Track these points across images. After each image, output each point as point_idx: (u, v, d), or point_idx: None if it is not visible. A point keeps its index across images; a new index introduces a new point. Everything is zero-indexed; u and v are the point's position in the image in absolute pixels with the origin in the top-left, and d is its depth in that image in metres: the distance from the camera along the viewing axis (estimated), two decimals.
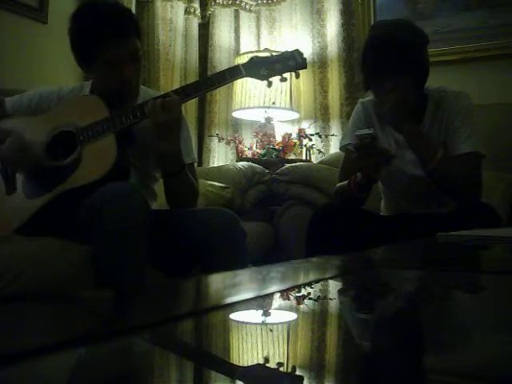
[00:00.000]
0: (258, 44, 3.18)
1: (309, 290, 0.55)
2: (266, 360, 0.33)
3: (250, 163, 2.70)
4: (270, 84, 1.57)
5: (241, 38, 3.22)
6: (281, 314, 0.46)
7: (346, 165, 1.76)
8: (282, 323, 0.44)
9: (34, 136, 1.54)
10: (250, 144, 3.05)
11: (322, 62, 3.00)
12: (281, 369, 0.32)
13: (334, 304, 0.51)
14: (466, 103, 1.68)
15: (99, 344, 0.33)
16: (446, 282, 0.63)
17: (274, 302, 0.49)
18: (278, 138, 3.00)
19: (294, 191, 2.47)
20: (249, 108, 2.87)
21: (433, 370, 0.31)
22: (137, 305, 0.49)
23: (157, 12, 3.05)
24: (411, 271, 0.70)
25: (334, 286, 0.59)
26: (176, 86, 3.00)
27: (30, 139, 1.53)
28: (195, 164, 1.78)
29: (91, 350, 0.33)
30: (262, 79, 1.55)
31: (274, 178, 2.56)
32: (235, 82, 2.97)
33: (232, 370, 0.32)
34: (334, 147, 2.86)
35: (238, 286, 0.55)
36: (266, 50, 2.98)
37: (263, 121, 2.95)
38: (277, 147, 2.91)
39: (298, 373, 0.32)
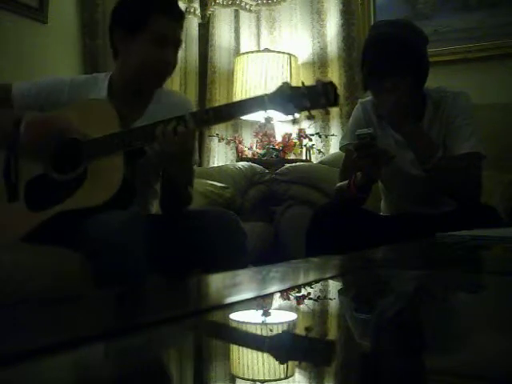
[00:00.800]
0: (258, 44, 3.18)
1: (309, 289, 0.55)
2: (266, 360, 0.33)
3: (249, 163, 2.70)
4: (294, 120, 1.44)
5: (241, 38, 3.22)
6: (281, 314, 0.46)
7: (346, 165, 1.76)
8: (282, 323, 0.44)
9: (40, 142, 1.50)
10: (250, 144, 3.05)
11: (322, 62, 3.00)
12: (281, 368, 0.32)
13: (333, 304, 0.51)
14: (466, 103, 1.68)
15: (99, 344, 0.33)
16: (446, 282, 0.63)
17: (273, 302, 0.49)
18: (278, 138, 3.00)
19: (294, 191, 2.47)
20: None
21: (433, 370, 0.31)
22: (136, 305, 0.49)
23: None
24: (411, 271, 0.70)
25: (333, 286, 0.59)
26: (176, 85, 3.01)
27: (37, 144, 1.49)
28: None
29: (91, 350, 0.33)
30: (288, 114, 1.39)
31: (274, 178, 2.56)
32: (235, 81, 2.99)
33: (232, 371, 0.32)
34: (334, 147, 2.86)
35: (238, 286, 0.55)
36: (266, 49, 2.98)
37: (263, 121, 2.95)
38: (277, 147, 2.91)
39: (298, 373, 0.32)
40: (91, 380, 0.29)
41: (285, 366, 0.33)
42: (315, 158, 2.90)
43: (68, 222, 1.43)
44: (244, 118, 3.00)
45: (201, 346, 0.38)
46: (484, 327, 0.41)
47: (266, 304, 0.48)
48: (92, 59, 2.69)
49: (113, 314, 0.45)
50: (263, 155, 2.90)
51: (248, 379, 0.31)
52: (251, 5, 3.19)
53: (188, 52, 3.16)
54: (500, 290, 0.58)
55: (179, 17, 1.56)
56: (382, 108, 1.62)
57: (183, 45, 3.13)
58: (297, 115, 1.40)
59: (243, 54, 3.04)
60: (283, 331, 0.42)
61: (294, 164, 2.62)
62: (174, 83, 2.99)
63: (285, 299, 0.50)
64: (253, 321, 0.43)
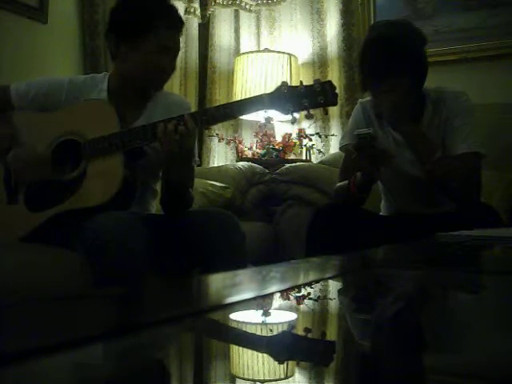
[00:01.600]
0: (258, 44, 3.18)
1: (309, 289, 0.55)
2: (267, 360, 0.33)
3: (250, 163, 2.70)
4: (294, 120, 1.43)
5: (241, 38, 3.21)
6: (281, 314, 0.46)
7: (346, 165, 1.76)
8: (282, 323, 0.44)
9: (39, 142, 1.51)
10: (250, 144, 3.05)
11: (322, 62, 3.00)
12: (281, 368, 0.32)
13: (333, 304, 0.51)
14: (465, 103, 1.68)
15: (99, 344, 0.34)
16: (446, 282, 0.63)
17: (273, 302, 0.49)
18: (278, 138, 3.00)
19: (294, 191, 2.47)
20: None
21: (433, 370, 0.31)
22: (136, 305, 0.49)
23: None
24: (411, 271, 0.70)
25: (333, 286, 0.59)
26: (176, 86, 3.01)
27: (36, 147, 1.50)
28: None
29: (91, 350, 0.33)
30: (287, 113, 1.40)
31: (274, 178, 2.56)
32: (235, 81, 2.99)
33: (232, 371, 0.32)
34: (334, 147, 2.86)
35: (238, 286, 0.55)
36: (266, 49, 2.98)
37: (263, 121, 2.95)
38: (277, 147, 2.91)
39: (298, 373, 0.32)
40: (91, 380, 0.29)
41: (285, 365, 0.33)
42: (315, 158, 2.90)
43: (68, 222, 1.43)
44: (244, 117, 3.01)
45: (201, 345, 0.38)
46: (484, 327, 0.41)
47: (265, 304, 0.48)
48: (92, 59, 2.69)
49: (113, 313, 0.45)
50: (263, 155, 2.90)
51: (248, 379, 0.31)
52: (251, 5, 3.19)
53: (188, 52, 3.16)
54: (500, 290, 0.58)
55: (179, 25, 1.57)
56: (380, 109, 1.62)
57: (183, 45, 3.13)
58: (296, 115, 1.41)
59: (243, 54, 3.04)
60: (283, 331, 0.42)
61: (293, 164, 2.62)
62: (174, 83, 2.99)
63: (285, 299, 0.50)
64: (253, 321, 0.43)
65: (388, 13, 2.78)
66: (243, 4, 3.18)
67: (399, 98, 1.57)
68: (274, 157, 2.88)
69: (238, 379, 0.31)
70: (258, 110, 1.47)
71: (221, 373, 0.32)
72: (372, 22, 2.81)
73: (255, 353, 0.36)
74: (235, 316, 0.43)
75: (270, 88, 1.46)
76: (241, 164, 2.68)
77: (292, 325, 0.43)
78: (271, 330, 0.42)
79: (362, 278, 0.65)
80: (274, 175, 2.57)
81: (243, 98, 2.78)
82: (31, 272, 1.32)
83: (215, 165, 3.07)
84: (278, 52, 2.94)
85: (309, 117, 1.42)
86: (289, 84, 1.41)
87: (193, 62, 3.18)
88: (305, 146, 2.92)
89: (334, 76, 2.93)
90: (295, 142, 2.96)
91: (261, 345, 0.37)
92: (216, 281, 0.64)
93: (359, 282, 0.63)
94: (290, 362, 0.33)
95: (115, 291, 0.60)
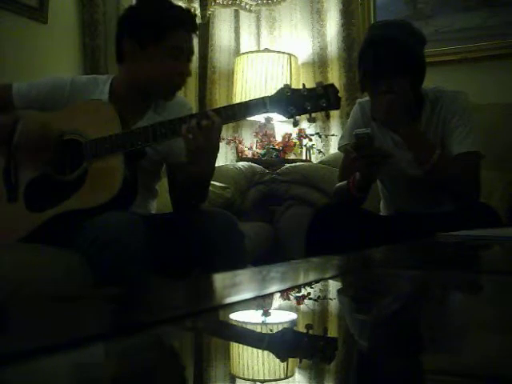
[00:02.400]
0: (258, 44, 3.18)
1: (309, 289, 0.55)
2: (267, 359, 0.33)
3: (250, 163, 2.70)
4: (296, 123, 1.41)
5: (241, 38, 3.22)
6: (281, 314, 0.46)
7: (345, 165, 1.76)
8: (282, 323, 0.44)
9: (41, 141, 1.50)
10: (250, 144, 3.05)
11: (321, 62, 3.00)
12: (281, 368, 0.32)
13: (333, 304, 0.51)
14: (464, 103, 1.68)
15: (99, 344, 0.34)
16: (446, 282, 0.63)
17: (273, 302, 0.49)
18: (278, 138, 3.00)
19: (294, 191, 2.47)
20: None
21: (432, 370, 0.31)
22: (136, 305, 0.49)
23: None
24: (411, 271, 0.70)
25: (333, 286, 0.59)
26: None
27: (37, 145, 1.49)
28: None
29: (91, 350, 0.33)
30: (289, 117, 1.38)
31: (274, 178, 2.56)
32: (235, 81, 2.99)
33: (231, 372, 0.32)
34: (334, 147, 2.86)
35: (238, 286, 0.55)
36: (266, 49, 2.98)
37: (263, 121, 2.95)
38: (277, 147, 2.91)
39: (298, 373, 0.32)
40: (91, 380, 0.29)
41: (285, 365, 0.33)
42: (315, 158, 2.91)
43: (68, 222, 1.43)
44: None
45: (201, 345, 0.38)
46: (484, 327, 0.41)
47: (266, 304, 0.48)
48: (92, 59, 2.69)
49: (113, 313, 0.45)
50: (263, 155, 2.90)
51: (248, 379, 0.31)
52: (251, 5, 3.19)
53: None
54: (500, 289, 0.58)
55: (195, 29, 1.58)
56: (378, 109, 1.62)
57: None
58: (298, 118, 1.40)
59: (243, 54, 3.04)
60: (283, 331, 0.42)
61: (293, 164, 2.62)
62: None
63: (285, 299, 0.50)
64: (253, 321, 0.43)
65: (388, 13, 2.78)
66: (243, 4, 3.18)
67: (398, 98, 1.57)
68: (274, 157, 2.88)
69: (237, 379, 0.31)
70: (259, 113, 1.45)
71: (221, 373, 0.32)
72: (372, 22, 2.81)
73: (255, 353, 0.36)
74: (235, 316, 0.43)
75: (270, 88, 1.46)
76: (241, 164, 2.68)
77: (292, 325, 0.43)
78: (271, 330, 0.42)
79: (361, 278, 0.65)
80: (274, 175, 2.57)
81: (243, 98, 2.83)
82: (31, 272, 1.32)
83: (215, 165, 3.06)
84: (278, 52, 2.95)
85: (311, 120, 1.42)
86: (291, 87, 1.40)
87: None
88: (305, 145, 2.93)
89: (334, 76, 2.94)
90: (295, 142, 2.96)
91: (261, 345, 0.37)
92: (216, 281, 0.64)
93: (359, 282, 0.63)
94: (289, 362, 0.33)
95: (115, 291, 0.60)
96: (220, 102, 3.16)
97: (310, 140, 2.91)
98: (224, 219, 1.50)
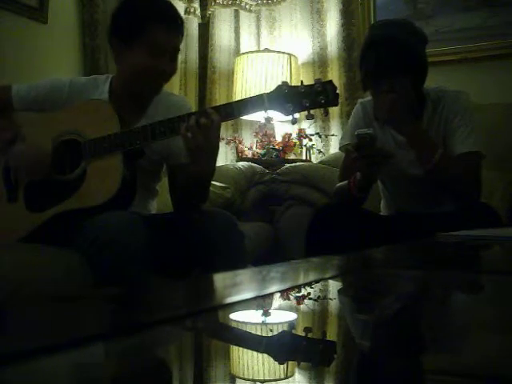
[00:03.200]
0: (258, 44, 3.18)
1: (309, 289, 0.55)
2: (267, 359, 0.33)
3: (250, 163, 2.70)
4: (294, 121, 1.40)
5: (241, 38, 3.22)
6: (281, 314, 0.46)
7: (346, 165, 1.76)
8: (282, 323, 0.44)
9: (40, 141, 1.50)
10: (250, 144, 3.05)
11: (321, 62, 3.00)
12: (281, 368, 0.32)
13: (333, 304, 0.51)
14: (465, 103, 1.68)
15: (99, 344, 0.34)
16: (446, 282, 0.63)
17: (273, 302, 0.49)
18: (278, 138, 3.00)
19: (294, 191, 2.47)
20: None
21: (433, 370, 0.31)
22: (136, 305, 0.49)
23: None
24: (411, 271, 0.70)
25: (334, 286, 0.59)
26: (176, 86, 3.01)
27: (36, 146, 1.49)
28: None
29: (91, 350, 0.33)
30: (287, 114, 1.37)
31: (273, 178, 2.56)
32: (235, 81, 2.99)
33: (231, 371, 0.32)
34: (334, 147, 2.86)
35: (238, 286, 0.55)
36: (266, 49, 2.98)
37: (263, 121, 2.95)
38: (277, 147, 2.91)
39: (297, 373, 0.32)
40: (91, 380, 0.29)
41: (285, 366, 0.33)
42: (315, 158, 2.90)
43: (68, 222, 1.43)
44: (244, 117, 3.01)
45: (201, 345, 0.38)
46: (484, 327, 0.41)
47: (266, 304, 0.48)
48: (92, 59, 2.69)
49: (113, 313, 0.45)
50: (263, 155, 2.90)
51: (248, 379, 0.31)
52: (251, 5, 3.19)
53: (188, 52, 3.16)
54: (500, 290, 0.58)
55: (177, 25, 1.54)
56: (380, 108, 1.62)
57: (183, 45, 3.13)
58: (296, 115, 1.40)
59: (243, 54, 3.04)
60: (283, 331, 0.42)
61: (293, 164, 2.62)
62: (174, 83, 2.99)
63: (285, 299, 0.50)
64: (253, 321, 0.43)
65: (388, 13, 2.78)
66: (243, 4, 3.18)
67: (400, 98, 1.57)
68: (274, 157, 2.88)
69: (237, 379, 0.31)
70: (258, 111, 1.45)
71: (221, 373, 0.32)
72: (372, 22, 2.81)
73: (255, 353, 0.36)
74: (235, 316, 0.43)
75: (270, 88, 1.44)
76: (241, 164, 2.68)
77: (292, 325, 0.43)
78: (271, 330, 0.42)
79: (362, 278, 0.65)
80: (274, 175, 2.57)
81: (243, 97, 2.81)
82: (31, 272, 1.32)
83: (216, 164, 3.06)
84: (278, 52, 2.94)
85: (309, 117, 1.41)
86: (289, 84, 1.40)
87: (193, 62, 3.18)
88: (305, 145, 2.93)
89: (334, 76, 2.94)
90: (295, 142, 2.96)
91: (261, 345, 0.37)
92: (216, 281, 0.64)
93: (359, 281, 0.63)
94: (289, 363, 0.33)
95: (115, 291, 0.60)
96: (220, 101, 3.15)
97: (310, 140, 2.91)
98: (224, 219, 1.50)
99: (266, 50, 2.98)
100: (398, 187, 1.80)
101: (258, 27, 3.20)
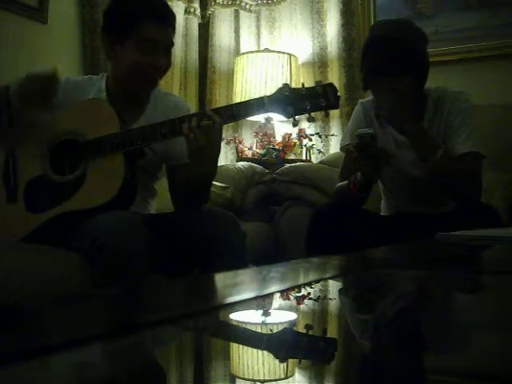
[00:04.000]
0: (258, 44, 3.18)
1: (309, 289, 0.55)
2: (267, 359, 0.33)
3: (250, 163, 2.70)
4: (295, 123, 1.41)
5: (241, 38, 3.22)
6: (281, 314, 0.46)
7: (346, 165, 1.76)
8: (282, 323, 0.44)
9: (39, 141, 1.50)
10: (250, 144, 3.05)
11: (322, 62, 3.00)
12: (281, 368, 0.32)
13: (333, 304, 0.51)
14: (466, 103, 1.68)
15: (99, 344, 0.33)
16: (446, 282, 0.63)
17: (273, 302, 0.49)
18: (278, 138, 3.00)
19: (294, 191, 2.47)
20: None
21: (433, 370, 0.31)
22: (136, 305, 0.49)
23: None
24: (411, 271, 0.70)
25: (334, 286, 0.59)
26: (176, 86, 3.01)
27: (35, 146, 1.49)
28: None
29: (91, 350, 0.33)
30: (288, 117, 1.38)
31: (274, 178, 2.56)
32: (235, 81, 2.99)
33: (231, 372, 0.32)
34: (334, 147, 2.86)
35: (238, 286, 0.55)
36: (266, 49, 2.98)
37: (263, 121, 2.95)
38: (277, 147, 2.91)
39: (298, 373, 0.32)
40: (91, 380, 0.29)
41: (285, 365, 0.33)
42: (315, 158, 2.90)
43: (68, 223, 1.43)
44: None
45: (201, 345, 0.38)
46: (484, 327, 0.41)
47: (265, 304, 0.48)
48: (92, 59, 2.69)
49: (113, 313, 0.45)
50: (263, 155, 2.90)
51: (248, 379, 0.31)
52: (251, 5, 3.19)
53: (188, 52, 3.16)
54: (500, 290, 0.58)
55: (168, 20, 1.53)
56: (382, 108, 1.62)
57: (183, 45, 3.13)
58: (297, 117, 1.40)
59: (243, 53, 3.04)
60: (283, 331, 0.42)
61: (293, 164, 2.62)
62: (174, 83, 2.99)
63: (285, 299, 0.50)
64: (253, 321, 0.43)
65: (388, 13, 2.78)
66: (243, 4, 3.18)
67: (401, 97, 1.57)
68: (274, 157, 2.88)
69: (237, 379, 0.31)
70: (259, 113, 1.45)
71: (221, 373, 0.32)
72: (372, 22, 2.81)
73: (255, 352, 0.36)
74: (235, 316, 0.43)
75: (270, 88, 1.45)
76: (241, 164, 2.68)
77: (292, 325, 0.43)
78: (271, 330, 0.42)
79: (362, 278, 0.65)
80: (274, 175, 2.57)
81: (243, 98, 2.82)
82: (31, 272, 1.32)
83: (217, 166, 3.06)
84: (278, 52, 2.94)
85: (310, 120, 1.42)
86: (290, 86, 1.40)
87: (193, 62, 3.18)
88: (305, 145, 2.93)
89: (334, 76, 2.94)
90: (295, 142, 2.96)
91: (261, 345, 0.37)
92: (216, 281, 0.64)
93: (359, 282, 0.63)
94: (289, 362, 0.33)
95: (115, 291, 0.60)
96: (220, 102, 3.15)
97: (310, 140, 2.91)
98: (226, 219, 1.50)
99: (266, 50, 2.98)
100: (399, 187, 1.80)
101: (258, 27, 3.20)
